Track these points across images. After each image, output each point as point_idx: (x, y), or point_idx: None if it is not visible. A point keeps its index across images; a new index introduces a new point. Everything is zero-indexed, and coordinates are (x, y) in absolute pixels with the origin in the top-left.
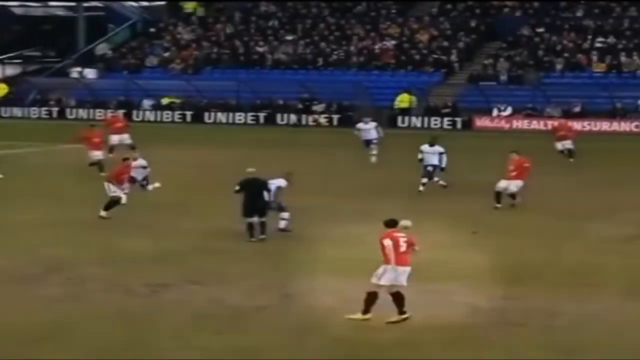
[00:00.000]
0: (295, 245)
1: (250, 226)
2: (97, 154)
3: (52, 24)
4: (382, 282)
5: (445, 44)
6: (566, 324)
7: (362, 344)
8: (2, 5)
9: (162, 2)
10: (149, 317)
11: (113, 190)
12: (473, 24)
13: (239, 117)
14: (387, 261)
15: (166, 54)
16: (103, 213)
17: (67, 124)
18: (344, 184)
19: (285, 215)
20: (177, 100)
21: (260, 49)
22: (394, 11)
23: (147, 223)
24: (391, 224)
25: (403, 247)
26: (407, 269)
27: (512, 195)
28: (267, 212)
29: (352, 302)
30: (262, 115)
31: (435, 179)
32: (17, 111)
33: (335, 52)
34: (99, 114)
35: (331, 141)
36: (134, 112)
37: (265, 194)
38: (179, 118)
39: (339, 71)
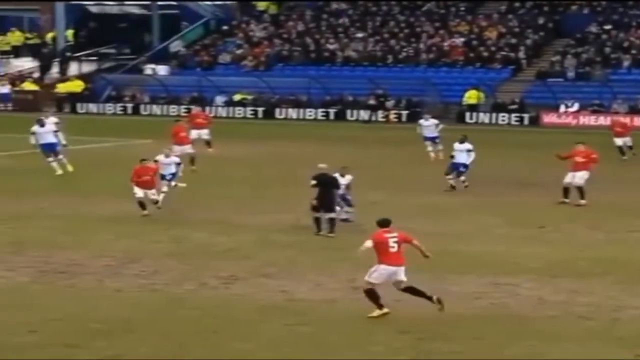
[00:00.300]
0: (362, 239)
1: (317, 220)
2: (185, 148)
3: (127, 21)
4: (373, 280)
5: (514, 41)
6: (632, 318)
7: (429, 336)
8: (79, 4)
9: (235, 1)
10: (221, 309)
11: (136, 191)
12: (541, 21)
13: (310, 113)
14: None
15: (239, 51)
16: (144, 212)
17: (141, 119)
18: (408, 179)
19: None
20: (249, 97)
21: (330, 47)
22: (462, 9)
23: (218, 217)
24: (384, 223)
25: (394, 248)
26: (400, 268)
27: (581, 193)
28: (335, 208)
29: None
30: (332, 111)
31: (450, 176)
32: (92, 107)
33: (405, 49)
34: (172, 110)
35: (398, 137)
36: (207, 108)
37: (334, 190)
38: (251, 114)
39: (408, 68)
